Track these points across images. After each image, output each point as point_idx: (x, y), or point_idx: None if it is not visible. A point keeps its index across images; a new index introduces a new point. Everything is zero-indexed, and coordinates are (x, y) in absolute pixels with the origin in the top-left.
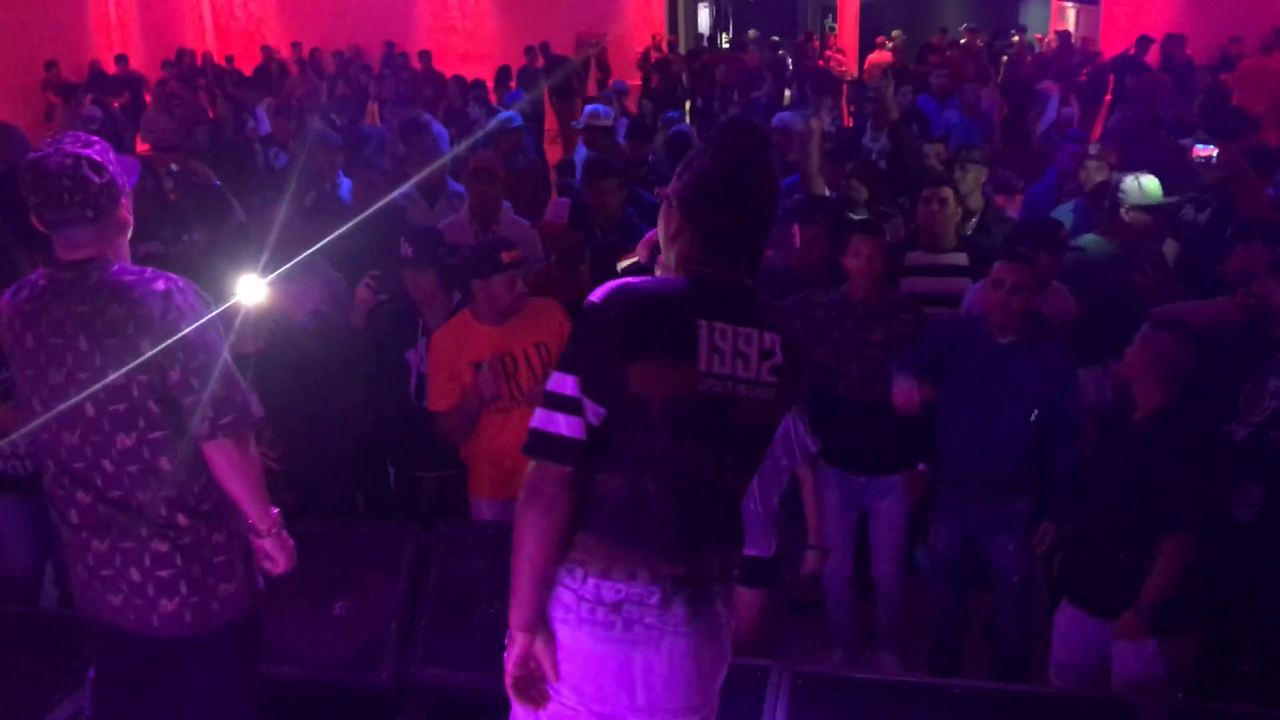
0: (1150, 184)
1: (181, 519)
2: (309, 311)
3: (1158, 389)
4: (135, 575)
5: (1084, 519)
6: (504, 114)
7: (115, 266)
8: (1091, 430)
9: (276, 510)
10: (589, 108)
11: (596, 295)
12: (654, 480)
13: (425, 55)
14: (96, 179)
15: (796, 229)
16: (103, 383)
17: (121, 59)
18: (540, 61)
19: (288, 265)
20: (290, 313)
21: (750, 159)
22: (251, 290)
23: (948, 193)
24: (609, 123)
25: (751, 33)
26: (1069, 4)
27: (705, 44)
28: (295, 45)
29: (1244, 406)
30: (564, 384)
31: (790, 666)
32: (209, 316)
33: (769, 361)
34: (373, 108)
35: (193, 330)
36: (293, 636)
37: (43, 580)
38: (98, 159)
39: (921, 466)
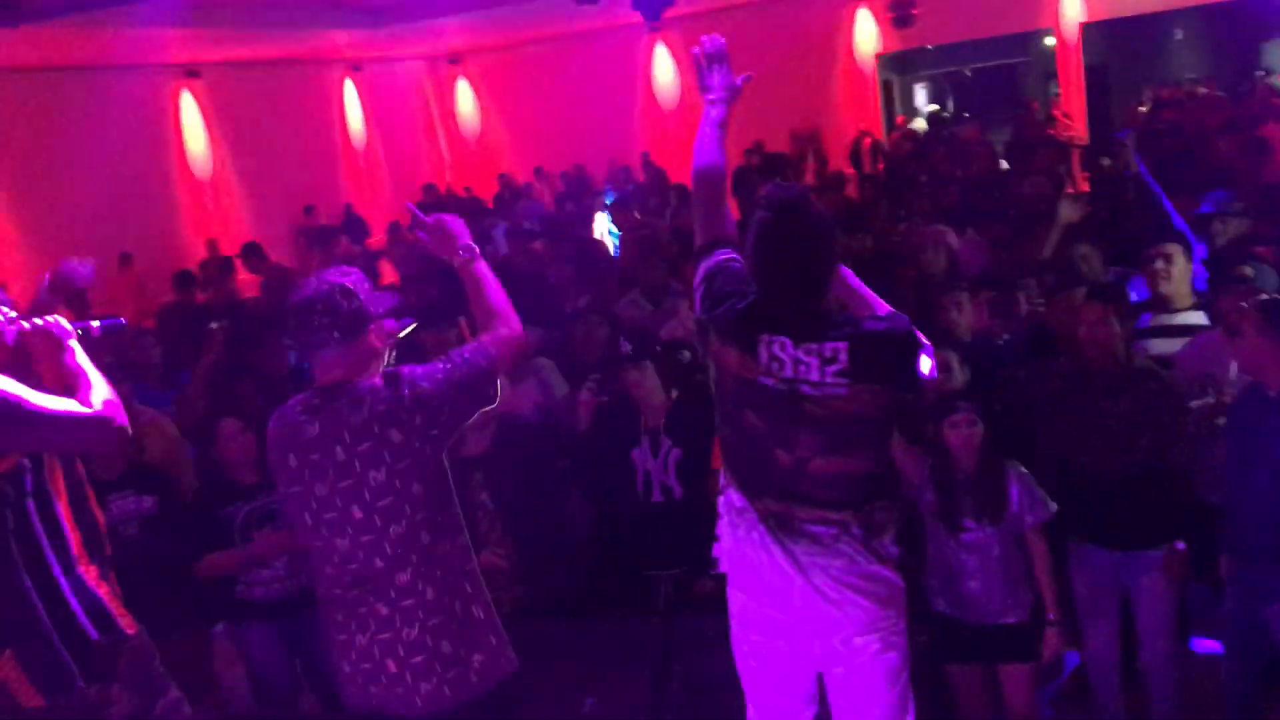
0: None
1: (429, 593)
2: (533, 408)
3: None
4: (392, 667)
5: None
6: None
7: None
8: None
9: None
10: None
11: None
12: (734, 432)
13: (649, 165)
14: (345, 305)
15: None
16: (365, 485)
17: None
18: (755, 160)
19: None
20: (515, 412)
21: (777, 232)
22: None
23: (1173, 249)
24: None
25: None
26: None
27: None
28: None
29: None
30: None
31: None
32: (430, 370)
33: (832, 366)
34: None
35: (427, 386)
36: None
37: (300, 693)
38: (350, 286)
39: (1180, 545)
